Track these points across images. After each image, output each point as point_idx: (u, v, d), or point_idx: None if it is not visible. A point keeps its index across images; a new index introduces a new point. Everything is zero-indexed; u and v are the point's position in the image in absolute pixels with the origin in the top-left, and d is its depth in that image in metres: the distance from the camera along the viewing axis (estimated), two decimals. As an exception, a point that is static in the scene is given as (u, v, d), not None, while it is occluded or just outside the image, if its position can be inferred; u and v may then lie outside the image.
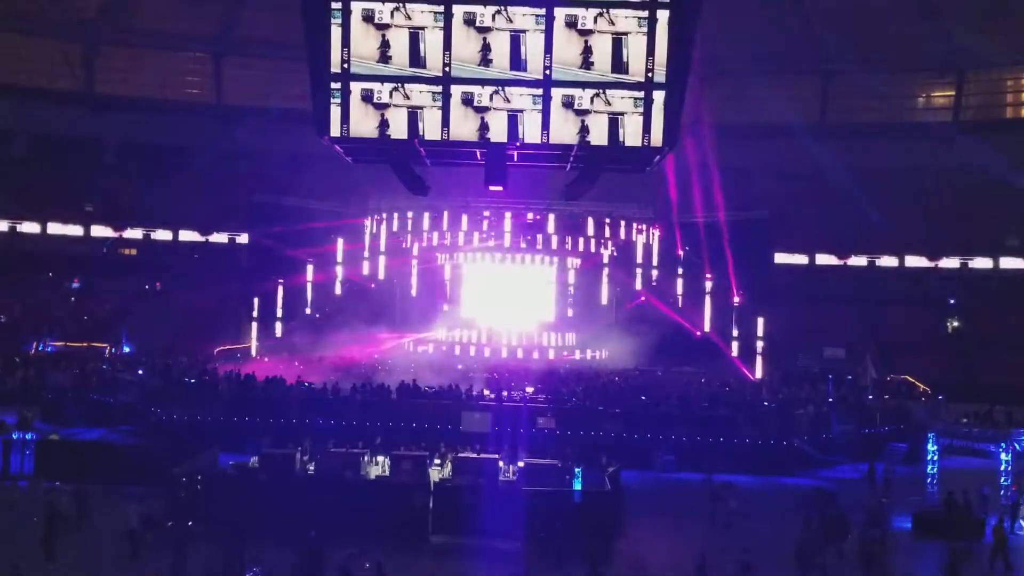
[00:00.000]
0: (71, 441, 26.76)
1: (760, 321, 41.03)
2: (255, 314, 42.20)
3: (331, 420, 27.89)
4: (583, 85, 14.15)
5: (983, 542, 20.51)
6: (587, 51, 14.95)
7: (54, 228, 49.50)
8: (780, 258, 50.74)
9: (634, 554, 18.50)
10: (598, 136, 16.06)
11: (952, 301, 47.51)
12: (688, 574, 16.70)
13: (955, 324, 47.64)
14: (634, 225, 45.02)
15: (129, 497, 19.08)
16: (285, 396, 30.55)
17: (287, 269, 44.28)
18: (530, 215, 42.93)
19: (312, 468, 21.14)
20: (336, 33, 12.41)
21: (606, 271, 46.23)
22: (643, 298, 45.75)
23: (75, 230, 49.76)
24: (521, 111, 14.02)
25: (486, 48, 12.96)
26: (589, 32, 13.70)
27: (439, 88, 12.84)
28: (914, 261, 50.11)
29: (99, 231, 49.64)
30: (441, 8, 12.42)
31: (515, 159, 24.01)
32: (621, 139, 18.44)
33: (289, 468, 20.80)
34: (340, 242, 44.60)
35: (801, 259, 51.85)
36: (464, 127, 13.60)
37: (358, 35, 12.45)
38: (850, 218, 46.22)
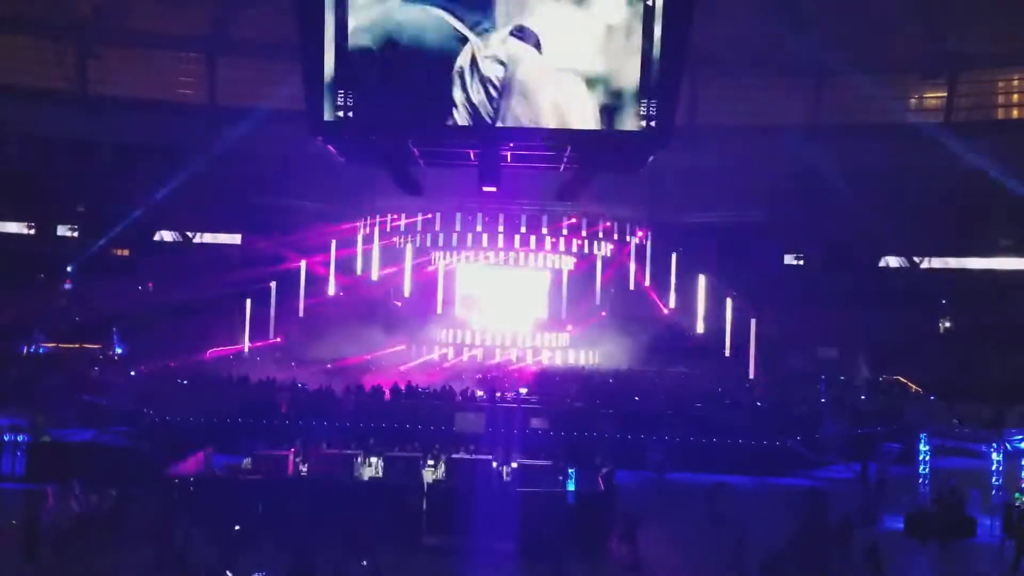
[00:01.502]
0: (63, 443, 26.62)
1: (753, 322, 41.07)
2: (248, 316, 42.15)
3: (324, 421, 27.85)
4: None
5: (975, 541, 20.63)
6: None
7: (46, 229, 49.31)
8: (774, 259, 50.87)
9: (631, 554, 18.50)
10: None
11: (944, 301, 47.65)
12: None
13: (948, 324, 47.79)
14: (628, 226, 45.06)
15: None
16: (278, 397, 30.53)
17: (280, 270, 44.17)
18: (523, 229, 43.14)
19: (305, 469, 21.12)
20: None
21: (599, 272, 46.22)
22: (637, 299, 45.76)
23: (67, 231, 49.60)
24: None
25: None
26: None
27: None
28: (906, 261, 50.31)
29: (91, 232, 49.46)
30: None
31: (509, 159, 24.51)
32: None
33: (282, 469, 20.77)
34: (333, 243, 44.55)
35: (794, 260, 52.05)
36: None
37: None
38: (842, 219, 46.35)
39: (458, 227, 43.58)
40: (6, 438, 24.05)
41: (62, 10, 45.65)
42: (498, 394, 31.51)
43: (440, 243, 44.82)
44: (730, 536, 18.37)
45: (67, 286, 48.01)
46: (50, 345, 42.56)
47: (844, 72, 43.37)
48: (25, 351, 41.61)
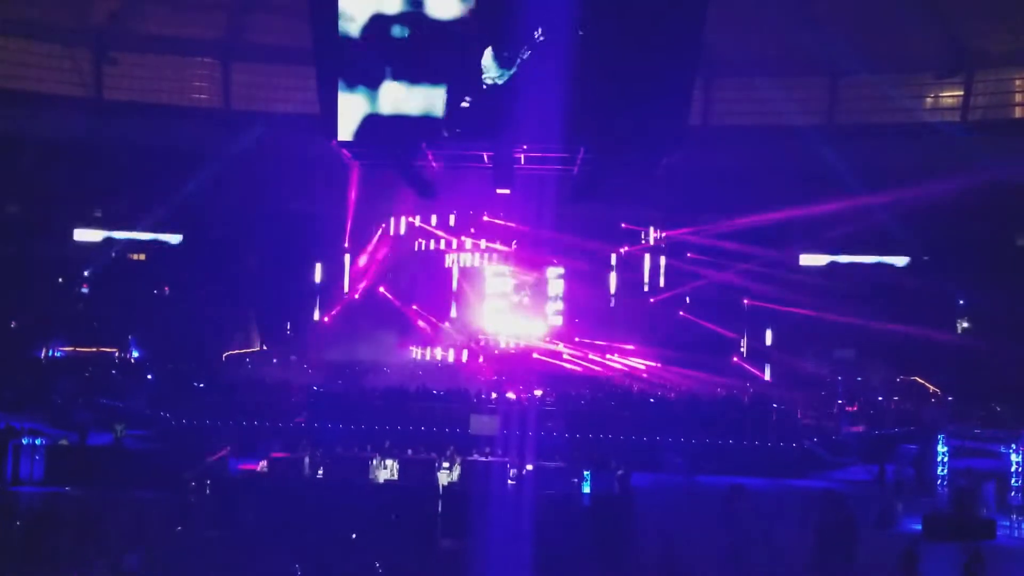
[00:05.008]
0: (80, 446, 26.77)
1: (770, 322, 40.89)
2: (264, 319, 42.36)
3: (340, 424, 27.94)
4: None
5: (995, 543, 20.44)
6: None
7: (63, 233, 49.54)
8: (789, 259, 50.50)
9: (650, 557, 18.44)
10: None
11: (961, 302, 47.23)
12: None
13: (965, 325, 47.36)
14: (643, 228, 45.02)
15: None
16: (294, 400, 30.64)
17: (295, 273, 44.32)
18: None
19: (321, 472, 21.16)
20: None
21: (614, 273, 46.13)
22: (652, 301, 45.67)
23: (84, 235, 49.85)
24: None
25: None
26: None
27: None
28: (923, 261, 49.79)
29: (108, 236, 49.74)
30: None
31: (523, 161, 24.54)
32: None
33: (298, 472, 20.83)
34: (347, 246, 44.71)
35: (810, 260, 51.62)
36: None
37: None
38: (859, 219, 45.95)
39: (472, 229, 43.64)
40: (25, 441, 24.17)
41: (78, 15, 45.90)
42: (513, 396, 31.50)
43: (455, 245, 44.89)
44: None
45: (84, 290, 48.30)
46: (67, 349, 42.85)
47: (859, 72, 43.05)
48: (43, 355, 41.92)
